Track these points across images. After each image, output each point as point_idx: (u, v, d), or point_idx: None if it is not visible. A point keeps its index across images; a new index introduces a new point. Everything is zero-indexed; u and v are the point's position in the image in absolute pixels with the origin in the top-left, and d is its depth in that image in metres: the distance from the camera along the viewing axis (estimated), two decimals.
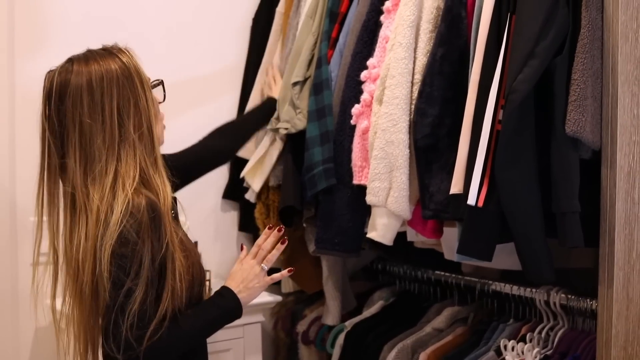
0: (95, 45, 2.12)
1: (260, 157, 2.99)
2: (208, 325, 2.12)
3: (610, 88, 2.13)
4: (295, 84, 2.83)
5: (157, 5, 3.17)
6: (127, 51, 2.10)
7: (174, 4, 3.21)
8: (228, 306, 2.15)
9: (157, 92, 2.19)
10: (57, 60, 2.09)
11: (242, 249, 2.30)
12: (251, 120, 2.94)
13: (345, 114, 2.61)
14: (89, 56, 2.07)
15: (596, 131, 2.12)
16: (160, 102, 2.20)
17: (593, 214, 2.17)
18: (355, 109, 2.56)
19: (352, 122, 2.58)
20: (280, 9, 3.23)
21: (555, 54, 2.11)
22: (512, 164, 2.10)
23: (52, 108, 2.04)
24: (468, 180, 2.17)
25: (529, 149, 2.13)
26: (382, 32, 2.54)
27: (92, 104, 2.01)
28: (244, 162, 3.15)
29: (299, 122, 2.79)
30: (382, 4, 2.57)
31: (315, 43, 2.86)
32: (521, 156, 2.12)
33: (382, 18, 2.57)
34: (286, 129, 2.82)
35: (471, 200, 2.15)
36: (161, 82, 2.22)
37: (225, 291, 2.18)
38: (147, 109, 2.07)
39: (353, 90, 2.62)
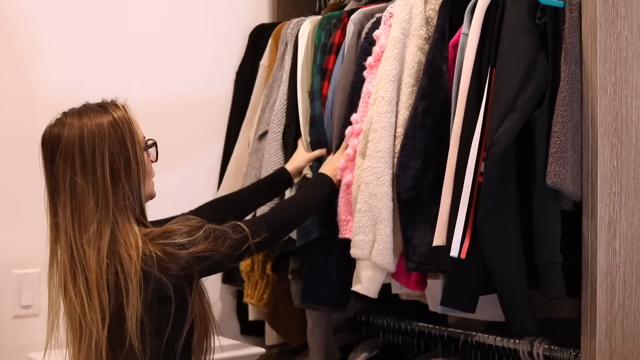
0: (83, 99, 2.14)
1: None
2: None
3: (590, 140, 2.15)
4: None
5: (140, 55, 3.19)
6: (123, 108, 2.10)
7: (156, 58, 3.24)
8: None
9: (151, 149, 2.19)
10: (41, 110, 2.10)
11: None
12: (256, 199, 2.74)
13: None
14: (83, 111, 2.07)
15: (577, 182, 2.14)
16: (153, 162, 2.20)
17: (575, 265, 2.19)
18: (340, 164, 2.57)
19: (338, 176, 2.59)
20: (264, 62, 3.25)
21: (536, 106, 2.13)
22: (494, 216, 2.12)
23: (44, 163, 2.05)
24: (451, 232, 2.18)
25: (510, 201, 2.15)
26: (365, 87, 2.56)
27: (84, 165, 2.00)
28: None
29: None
30: (365, 60, 2.60)
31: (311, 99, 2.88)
32: (503, 208, 2.13)
33: (364, 73, 2.59)
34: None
35: (454, 252, 2.16)
36: (154, 144, 2.20)
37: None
38: (137, 171, 2.06)
39: (338, 147, 2.64)
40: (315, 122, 2.78)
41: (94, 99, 2.15)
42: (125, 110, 2.10)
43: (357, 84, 2.65)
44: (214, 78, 3.37)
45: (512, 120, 2.10)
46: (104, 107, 2.09)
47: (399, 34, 2.46)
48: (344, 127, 2.63)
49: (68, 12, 3.04)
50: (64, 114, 2.09)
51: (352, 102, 2.65)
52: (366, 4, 2.96)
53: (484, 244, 2.13)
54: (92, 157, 2.01)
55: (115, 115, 2.06)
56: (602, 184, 2.15)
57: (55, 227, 2.06)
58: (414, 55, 2.46)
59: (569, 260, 2.14)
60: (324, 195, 2.57)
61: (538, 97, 2.14)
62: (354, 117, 2.57)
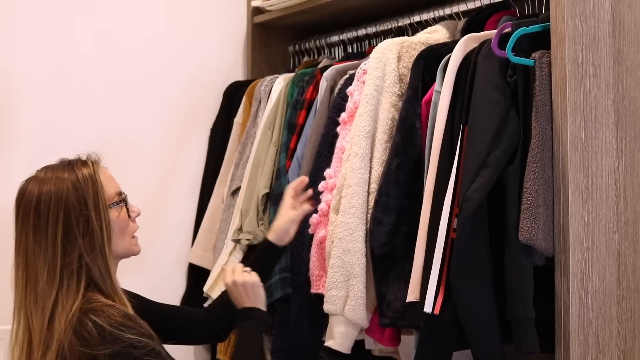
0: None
1: (221, 270, 2.98)
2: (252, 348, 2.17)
3: (561, 196, 2.17)
4: (263, 195, 2.85)
5: (117, 111, 3.20)
6: (93, 164, 2.08)
7: (132, 113, 3.25)
8: (257, 319, 2.21)
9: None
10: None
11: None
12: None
13: (304, 224, 2.63)
14: (51, 169, 2.07)
15: (549, 238, 2.16)
16: (131, 217, 2.15)
17: (548, 320, 2.19)
18: (313, 219, 2.58)
19: (310, 231, 2.60)
20: (238, 119, 3.27)
21: (507, 163, 2.15)
22: (467, 272, 2.13)
23: (14, 219, 2.05)
24: (424, 288, 2.18)
25: (483, 257, 2.16)
26: (339, 143, 2.58)
27: (38, 226, 1.99)
28: (201, 270, 3.15)
29: (262, 233, 2.80)
30: (339, 116, 2.62)
31: (277, 154, 2.89)
32: (476, 264, 2.14)
33: (338, 129, 2.61)
34: (248, 240, 2.83)
35: (427, 308, 2.16)
36: (124, 200, 2.14)
37: (246, 314, 2.21)
38: (100, 229, 2.03)
39: (311, 201, 2.64)
40: (280, 174, 2.80)
41: (70, 155, 2.16)
42: (94, 168, 2.08)
43: (326, 136, 2.68)
44: (189, 134, 3.39)
45: (484, 177, 2.12)
46: (71, 165, 2.07)
47: (373, 90, 2.49)
48: (312, 178, 2.65)
49: (48, 67, 3.06)
50: (38, 170, 2.09)
51: (319, 154, 2.68)
52: (339, 62, 3.00)
53: (457, 300, 2.14)
54: (46, 218, 1.99)
55: (80, 174, 2.04)
56: (574, 240, 2.16)
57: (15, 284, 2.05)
58: (388, 112, 2.48)
59: (542, 316, 2.14)
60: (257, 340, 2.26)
61: (509, 154, 2.16)
62: (327, 172, 2.58)
